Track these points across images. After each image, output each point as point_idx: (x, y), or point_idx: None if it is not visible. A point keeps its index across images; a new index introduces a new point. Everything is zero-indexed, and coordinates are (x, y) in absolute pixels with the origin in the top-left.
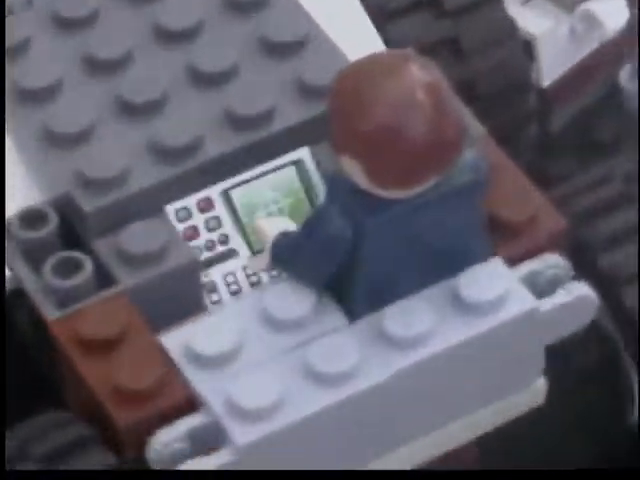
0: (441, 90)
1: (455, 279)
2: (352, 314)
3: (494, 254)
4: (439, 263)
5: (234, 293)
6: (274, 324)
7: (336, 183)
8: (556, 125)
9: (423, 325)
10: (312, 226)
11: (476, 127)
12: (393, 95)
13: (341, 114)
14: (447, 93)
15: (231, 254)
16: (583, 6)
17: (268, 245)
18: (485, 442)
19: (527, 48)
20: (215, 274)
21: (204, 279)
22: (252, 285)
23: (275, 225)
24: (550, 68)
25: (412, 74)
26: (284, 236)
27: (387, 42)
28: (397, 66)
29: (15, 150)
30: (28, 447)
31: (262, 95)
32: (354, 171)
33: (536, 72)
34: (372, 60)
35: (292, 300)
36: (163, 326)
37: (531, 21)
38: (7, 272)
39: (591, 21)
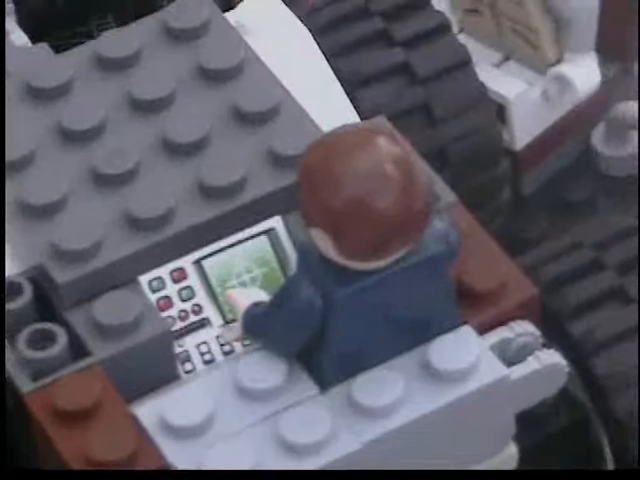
0: (409, 162)
1: (425, 347)
2: (323, 383)
3: (464, 322)
4: (409, 332)
5: (207, 362)
6: (246, 394)
7: (306, 254)
8: (529, 188)
9: (393, 394)
10: (282, 296)
11: (447, 194)
12: (361, 169)
13: (310, 187)
14: (415, 165)
15: (204, 324)
16: (555, 69)
17: (240, 316)
18: None
19: (500, 111)
20: (188, 344)
21: (178, 349)
22: (225, 354)
23: (246, 295)
24: (523, 131)
25: (380, 147)
26: (255, 307)
27: (359, 110)
28: (365, 139)
29: None
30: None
31: (233, 165)
32: (323, 243)
33: (509, 135)
34: (340, 133)
35: (264, 370)
36: (137, 396)
37: (503, 84)
38: None
39: (563, 83)
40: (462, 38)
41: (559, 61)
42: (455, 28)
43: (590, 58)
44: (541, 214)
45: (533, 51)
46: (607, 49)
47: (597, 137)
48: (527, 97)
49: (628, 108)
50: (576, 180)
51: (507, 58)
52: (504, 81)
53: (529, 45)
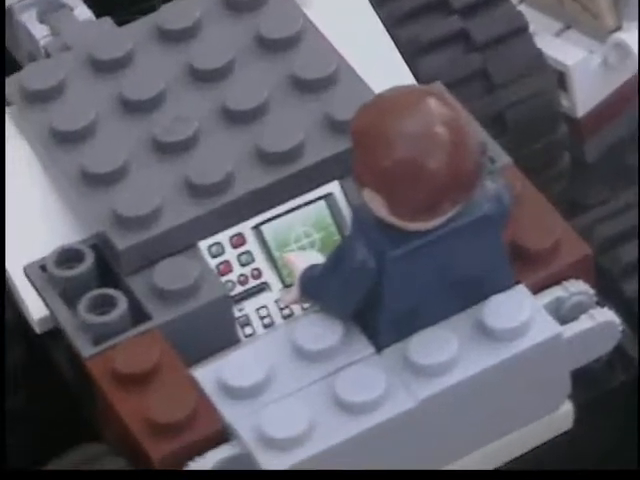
0: (460, 123)
1: (479, 307)
2: (378, 343)
3: (518, 282)
4: (463, 292)
5: (267, 326)
6: (304, 355)
7: (360, 216)
8: (591, 155)
9: (448, 353)
10: (337, 258)
11: (502, 157)
12: (412, 129)
13: (361, 148)
14: (466, 126)
15: (264, 288)
16: (615, 36)
17: (297, 278)
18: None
19: (560, 79)
20: (248, 308)
21: (237, 313)
22: (285, 318)
23: (304, 258)
24: (584, 98)
25: (431, 108)
26: (312, 269)
27: (417, 77)
28: (416, 100)
29: (52, 191)
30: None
31: (291, 131)
32: (376, 204)
33: (570, 103)
34: (392, 95)
35: (321, 331)
36: (198, 360)
37: (564, 52)
38: (45, 311)
39: (623, 51)
40: (523, 8)
41: (618, 29)
42: None
43: None
44: (603, 180)
45: (593, 19)
46: None
47: None
48: (587, 64)
49: None
50: (637, 147)
51: (567, 27)
52: (565, 49)
53: (588, 13)
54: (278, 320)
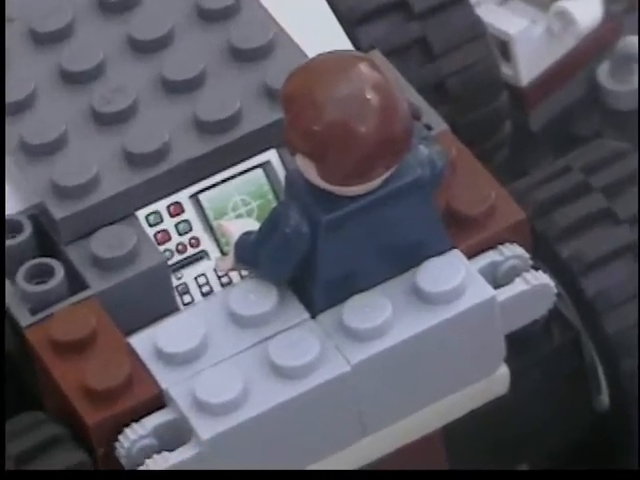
0: (389, 88)
1: (413, 271)
2: (313, 308)
3: (453, 247)
4: (398, 257)
5: (206, 294)
6: (239, 321)
7: (293, 181)
8: (535, 124)
9: (382, 317)
10: (271, 224)
11: (439, 124)
12: (342, 93)
13: (291, 113)
14: (395, 91)
15: (202, 256)
16: (557, 4)
17: (233, 245)
18: (452, 431)
19: (504, 49)
20: (187, 276)
21: (176, 281)
22: (223, 286)
23: (240, 226)
24: (527, 67)
25: (360, 73)
26: (247, 235)
27: (357, 46)
28: (346, 65)
29: None
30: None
31: (229, 100)
32: (308, 169)
33: (513, 72)
34: (321, 60)
35: (255, 297)
36: (137, 328)
37: (507, 21)
38: None
39: (566, 19)
40: None
41: None
42: None
43: None
44: (548, 149)
45: None
46: None
47: (603, 72)
48: (531, 33)
49: (633, 43)
50: (582, 115)
51: None
52: (508, 18)
53: None
54: (217, 288)
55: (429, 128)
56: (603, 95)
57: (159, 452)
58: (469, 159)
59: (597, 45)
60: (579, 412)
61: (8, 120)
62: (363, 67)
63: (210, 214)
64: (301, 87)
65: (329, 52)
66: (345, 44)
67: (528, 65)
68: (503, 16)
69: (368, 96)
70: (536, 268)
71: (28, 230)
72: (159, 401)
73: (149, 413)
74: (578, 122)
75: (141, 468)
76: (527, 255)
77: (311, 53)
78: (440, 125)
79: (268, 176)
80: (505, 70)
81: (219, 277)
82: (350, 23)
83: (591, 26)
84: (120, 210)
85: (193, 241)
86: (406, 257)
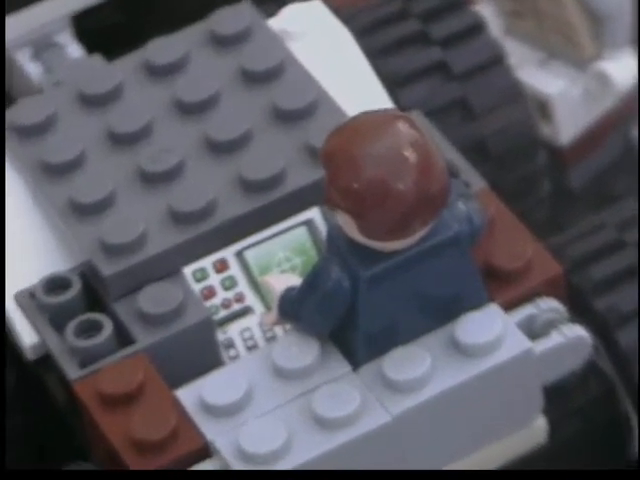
0: (426, 146)
1: (452, 324)
2: (355, 361)
3: (491, 300)
4: (437, 310)
5: (251, 348)
6: (282, 374)
7: (334, 237)
8: (574, 182)
9: (421, 369)
10: (313, 279)
11: (476, 180)
12: (379, 151)
13: (331, 171)
14: (433, 148)
15: (247, 311)
16: (595, 66)
17: (276, 300)
18: None
19: (543, 109)
20: (232, 331)
21: (221, 336)
22: (268, 340)
23: (282, 281)
24: (567, 127)
25: (398, 131)
26: (290, 291)
27: (399, 107)
28: (383, 123)
29: (42, 221)
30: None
31: (272, 160)
32: (348, 225)
33: (553, 131)
34: (359, 118)
35: (298, 350)
36: (183, 382)
37: (546, 82)
38: (36, 338)
39: (604, 80)
40: (508, 39)
41: (599, 58)
42: (500, 31)
43: (628, 53)
44: (588, 207)
45: (573, 49)
46: None
47: (638, 131)
48: (569, 94)
49: None
50: (619, 174)
51: (550, 57)
52: (547, 79)
53: (569, 43)
54: (261, 342)
55: (467, 185)
56: (638, 153)
57: None
58: (507, 216)
59: (634, 104)
60: (612, 462)
61: (58, 180)
62: (401, 125)
63: (255, 270)
64: (340, 145)
65: (368, 111)
66: (387, 105)
67: (567, 125)
68: (542, 77)
69: (405, 154)
70: (572, 321)
71: (77, 286)
72: (205, 452)
73: (195, 464)
74: (614, 180)
75: None
76: (563, 308)
77: (353, 114)
78: (479, 183)
79: (311, 233)
80: (544, 130)
81: (264, 332)
82: (392, 84)
83: (628, 86)
84: (167, 267)
85: (238, 297)
86: (445, 311)
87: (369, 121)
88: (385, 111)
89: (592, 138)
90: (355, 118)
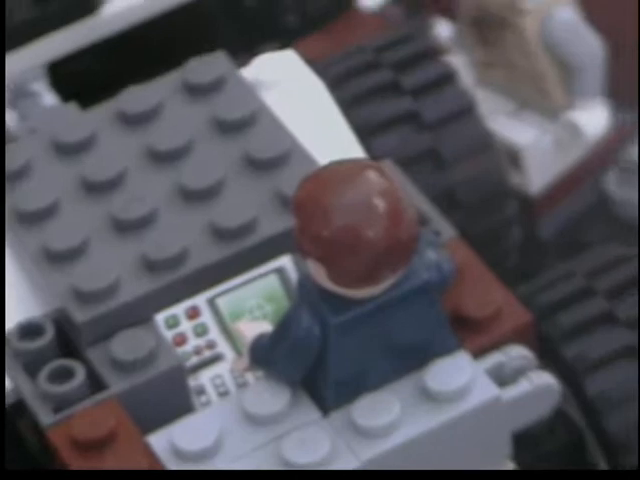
0: (396, 194)
1: (421, 371)
2: (325, 407)
3: (460, 347)
4: (406, 356)
5: (222, 394)
6: (253, 420)
7: (304, 284)
8: (545, 231)
9: (390, 416)
10: (284, 326)
11: (446, 229)
12: (349, 200)
13: (301, 218)
14: (402, 197)
15: (218, 358)
16: (566, 115)
17: (247, 347)
18: None
19: (514, 158)
20: (203, 377)
21: (193, 382)
22: (239, 386)
23: (254, 328)
24: (537, 176)
25: (368, 180)
26: (261, 337)
27: (370, 156)
28: (353, 172)
29: (15, 268)
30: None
31: (244, 208)
32: (318, 273)
33: (523, 181)
34: (330, 167)
35: (269, 396)
36: (155, 427)
37: (517, 132)
38: (7, 384)
39: (574, 130)
40: (479, 89)
41: (569, 107)
42: (471, 80)
43: (599, 103)
44: (557, 255)
45: (544, 99)
46: (621, 95)
47: (610, 181)
48: (540, 144)
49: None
50: (591, 223)
51: (521, 107)
52: (518, 129)
53: (540, 93)
54: (232, 388)
55: (438, 234)
56: (610, 203)
57: None
58: (477, 264)
59: (605, 154)
60: None
61: (31, 227)
62: (370, 174)
63: (226, 317)
64: (310, 194)
65: (338, 160)
66: (359, 154)
67: (538, 174)
68: (513, 126)
69: (375, 202)
70: (541, 368)
71: (50, 333)
72: None
73: None
74: (586, 229)
75: None
76: (532, 355)
77: (325, 162)
78: (449, 231)
79: (282, 281)
80: (515, 179)
81: (235, 378)
82: (364, 133)
83: (598, 136)
84: (139, 313)
85: (210, 343)
86: (414, 357)
87: (339, 170)
88: (355, 160)
89: (563, 188)
90: (326, 167)
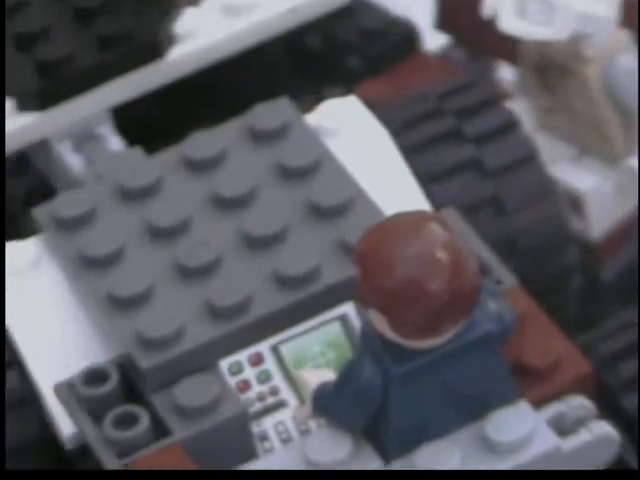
0: (458, 247)
1: (482, 421)
2: (386, 456)
3: (521, 397)
4: (467, 407)
5: (285, 441)
6: (315, 467)
7: (367, 334)
8: (606, 277)
9: (451, 465)
10: (346, 376)
11: (507, 278)
12: (411, 252)
13: (364, 270)
14: (464, 249)
15: (281, 405)
16: (627, 162)
17: (310, 395)
18: None
19: (575, 204)
20: (266, 424)
21: (256, 428)
22: (302, 433)
23: (317, 376)
24: (599, 222)
25: (430, 232)
26: (324, 386)
27: (433, 203)
28: (416, 225)
29: (81, 313)
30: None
31: (308, 256)
32: (380, 323)
33: (585, 226)
34: (393, 219)
35: (331, 444)
36: None
37: (578, 178)
38: (73, 429)
39: (635, 175)
40: (540, 135)
41: (630, 154)
42: (533, 126)
43: None
44: (619, 300)
45: (605, 145)
46: None
47: None
48: (601, 190)
49: None
50: None
51: (582, 153)
52: (579, 175)
53: (601, 139)
54: (295, 435)
55: (499, 283)
56: None
57: None
58: (537, 313)
59: None
60: None
61: (97, 273)
62: (433, 226)
63: (289, 364)
64: (374, 245)
65: (402, 212)
66: (421, 201)
67: (599, 220)
68: (574, 173)
69: (438, 255)
70: (601, 418)
71: (115, 378)
72: None
73: None
74: None
75: None
76: (592, 406)
77: (388, 210)
78: (510, 280)
79: (345, 328)
80: (576, 225)
81: (298, 425)
82: (426, 181)
83: None
84: (203, 360)
85: (273, 390)
86: (475, 407)
87: (402, 222)
88: (418, 212)
89: (624, 233)
90: (389, 219)
